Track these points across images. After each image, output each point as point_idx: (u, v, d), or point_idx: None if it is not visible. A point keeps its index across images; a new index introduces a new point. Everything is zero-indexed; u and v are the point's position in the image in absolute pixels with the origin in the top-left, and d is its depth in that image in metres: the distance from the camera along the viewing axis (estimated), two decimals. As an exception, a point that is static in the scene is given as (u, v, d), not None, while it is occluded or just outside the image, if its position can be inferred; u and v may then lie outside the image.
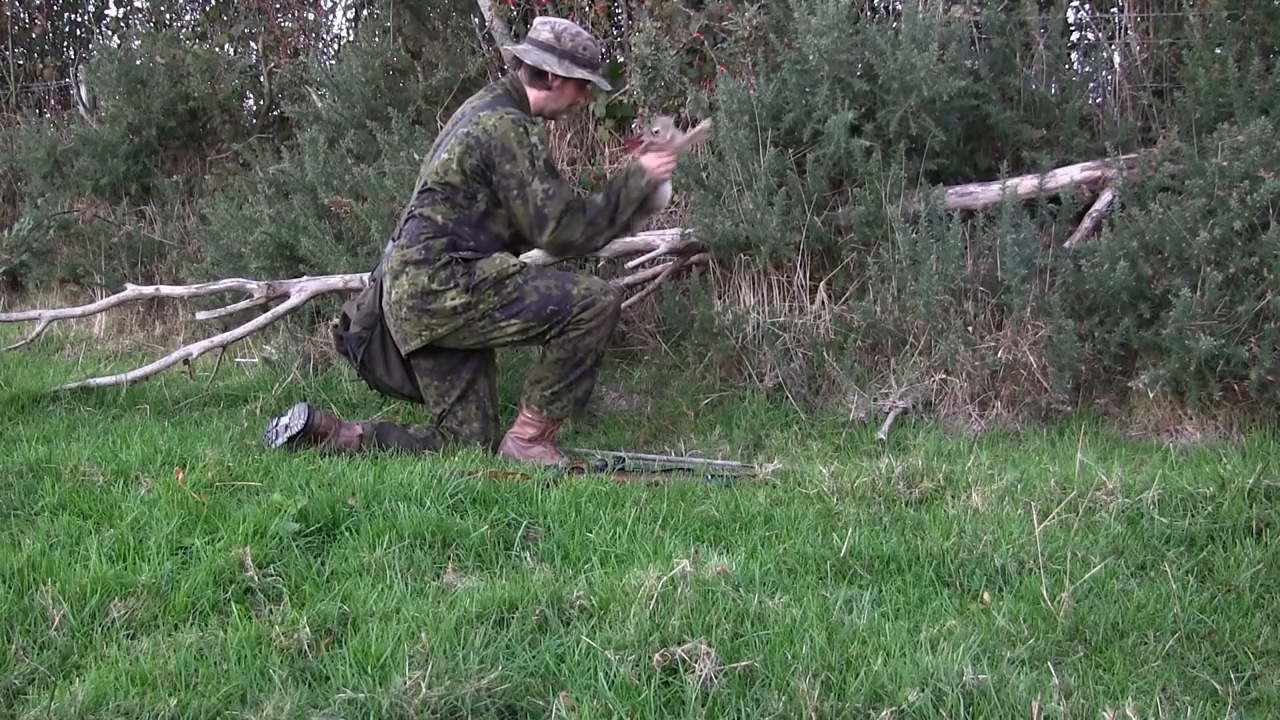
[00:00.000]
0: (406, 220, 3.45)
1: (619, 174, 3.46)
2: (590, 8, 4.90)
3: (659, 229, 4.57)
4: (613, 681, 1.82)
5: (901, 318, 3.90)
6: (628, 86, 4.70)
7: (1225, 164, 3.47)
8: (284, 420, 3.43)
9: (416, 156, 4.63)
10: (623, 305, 4.47)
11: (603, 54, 3.74)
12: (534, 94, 3.53)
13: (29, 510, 2.71)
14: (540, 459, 3.38)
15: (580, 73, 3.49)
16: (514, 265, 3.36)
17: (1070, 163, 3.98)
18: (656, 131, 3.43)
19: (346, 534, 2.54)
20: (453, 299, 3.32)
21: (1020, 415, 3.67)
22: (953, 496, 2.87)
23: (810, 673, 1.83)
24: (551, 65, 3.46)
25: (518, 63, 3.55)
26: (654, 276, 4.44)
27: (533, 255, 3.80)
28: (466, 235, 3.37)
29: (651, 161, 3.41)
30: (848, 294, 4.08)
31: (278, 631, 2.00)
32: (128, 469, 2.99)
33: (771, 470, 3.15)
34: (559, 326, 3.35)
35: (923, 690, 1.77)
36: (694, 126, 3.56)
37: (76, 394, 4.06)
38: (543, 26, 3.53)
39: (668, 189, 3.50)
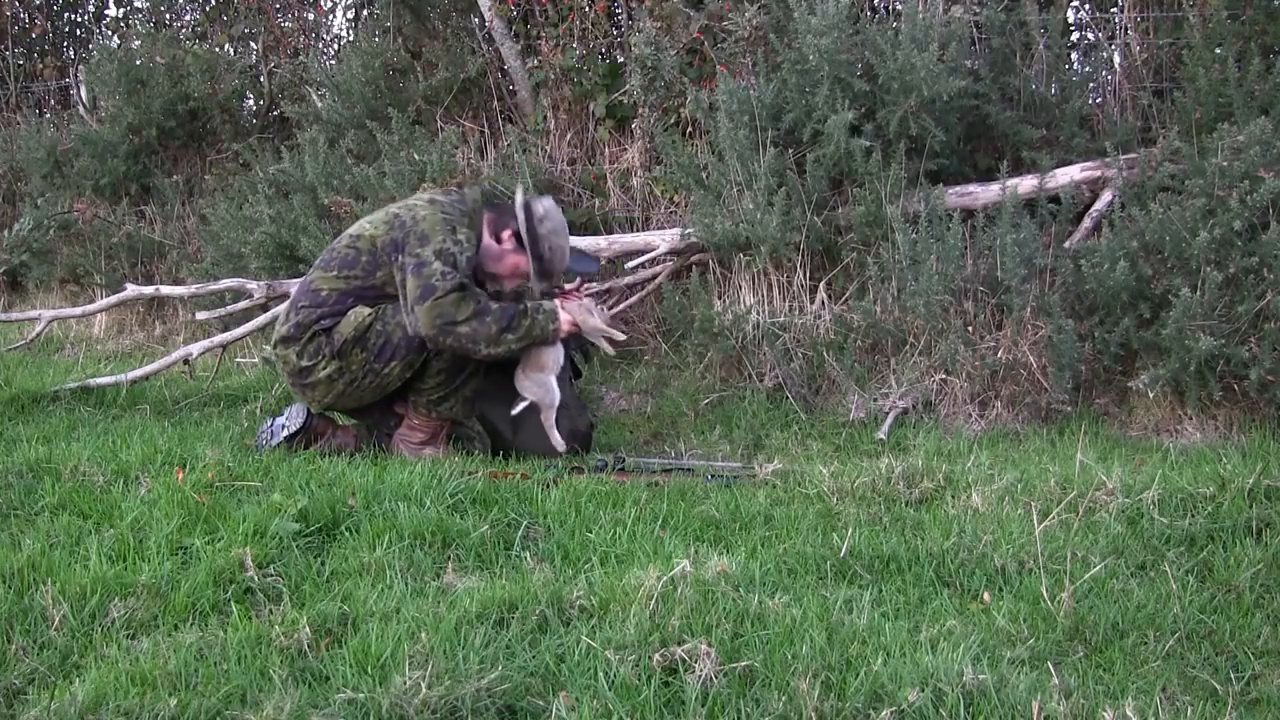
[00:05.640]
0: (302, 282, 3.41)
1: (531, 303, 3.32)
2: (590, 8, 4.90)
3: (659, 229, 4.57)
4: (613, 681, 1.82)
5: (901, 318, 3.90)
6: (628, 86, 4.70)
7: (1225, 164, 3.47)
8: (280, 420, 3.44)
9: (417, 156, 4.63)
10: (624, 305, 4.49)
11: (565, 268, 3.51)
12: (486, 240, 3.40)
13: (29, 510, 2.71)
14: (437, 459, 3.32)
15: (531, 259, 3.35)
16: (368, 315, 3.23)
17: (1070, 163, 3.99)
18: (590, 293, 3.39)
19: (346, 534, 2.54)
20: (324, 369, 3.26)
21: (1020, 415, 3.67)
22: (953, 496, 2.87)
23: (810, 673, 1.83)
24: (519, 227, 3.33)
25: (492, 208, 3.45)
26: (654, 276, 4.44)
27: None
28: (342, 305, 3.27)
29: (566, 315, 3.32)
30: (848, 294, 4.08)
31: (278, 631, 2.00)
32: (128, 469, 2.99)
33: (771, 470, 3.15)
34: (436, 349, 3.24)
35: (923, 690, 1.77)
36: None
37: (76, 394, 4.05)
38: (541, 200, 3.41)
39: (559, 353, 3.37)
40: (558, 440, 3.39)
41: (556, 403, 3.36)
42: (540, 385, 3.35)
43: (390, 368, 3.27)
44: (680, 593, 2.06)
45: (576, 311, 3.35)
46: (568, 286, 3.44)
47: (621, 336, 3.46)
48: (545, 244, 3.36)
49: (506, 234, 3.39)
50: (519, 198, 3.38)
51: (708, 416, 3.93)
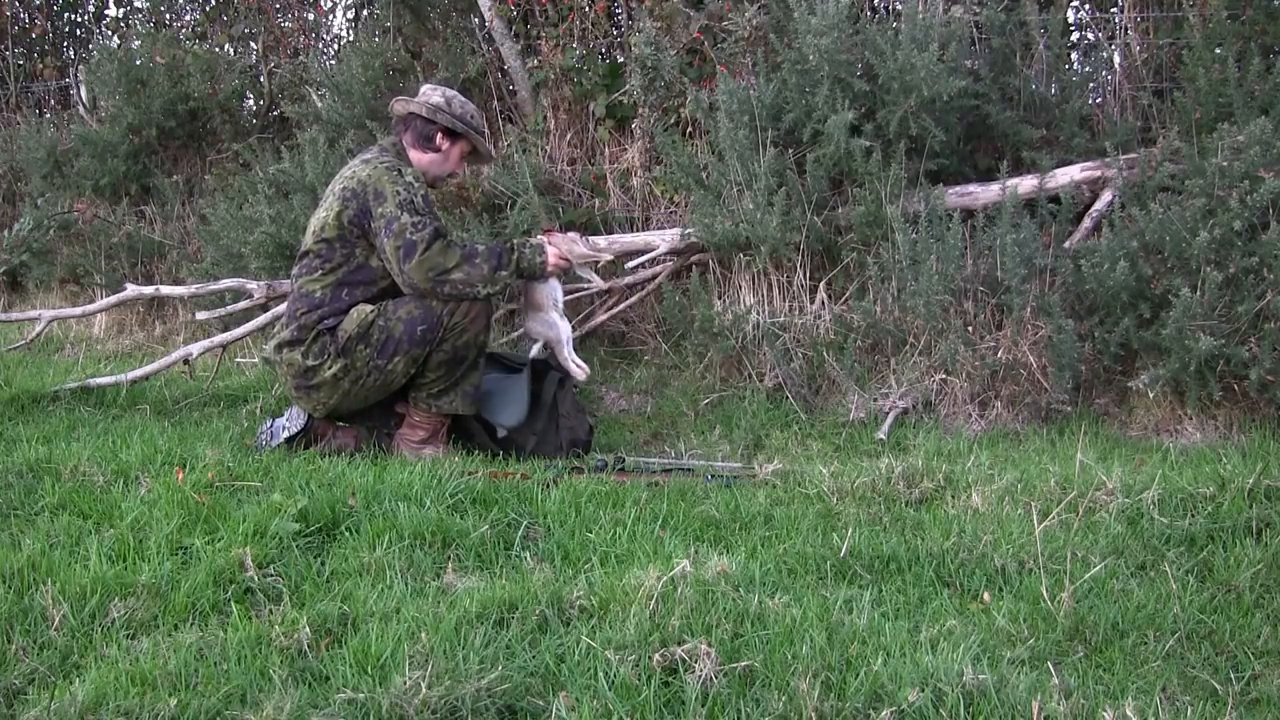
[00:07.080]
0: (291, 293, 3.47)
1: (517, 239, 3.43)
2: (590, 8, 4.90)
3: (659, 229, 4.57)
4: (613, 681, 1.82)
5: (901, 318, 3.90)
6: (628, 86, 4.69)
7: (1225, 164, 3.47)
8: (280, 421, 3.44)
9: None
10: (623, 305, 4.49)
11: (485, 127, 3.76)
12: (418, 156, 3.51)
13: (29, 510, 2.71)
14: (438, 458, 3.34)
15: (472, 136, 3.52)
16: (370, 311, 3.29)
17: (1070, 163, 3.99)
18: (573, 236, 3.49)
19: (346, 534, 2.54)
20: (330, 368, 3.29)
21: (1020, 415, 3.67)
22: (953, 496, 2.87)
23: (810, 673, 1.83)
24: (444, 121, 3.47)
25: (404, 126, 3.53)
26: (654, 276, 4.44)
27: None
28: (339, 301, 3.32)
29: (552, 249, 3.42)
30: (848, 294, 4.08)
31: (278, 631, 2.00)
32: (128, 469, 2.99)
33: (771, 470, 3.15)
34: (437, 340, 3.30)
35: (923, 690, 1.77)
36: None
37: (76, 394, 4.06)
38: (432, 92, 3.54)
39: (555, 290, 3.45)
40: (576, 369, 3.49)
41: (565, 337, 3.47)
42: (544, 324, 3.47)
43: (394, 363, 3.28)
44: (680, 593, 2.06)
45: (562, 243, 3.46)
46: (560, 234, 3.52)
47: (609, 256, 3.55)
48: (466, 117, 3.54)
49: (438, 137, 3.51)
50: (412, 108, 3.50)
51: (708, 416, 3.93)
